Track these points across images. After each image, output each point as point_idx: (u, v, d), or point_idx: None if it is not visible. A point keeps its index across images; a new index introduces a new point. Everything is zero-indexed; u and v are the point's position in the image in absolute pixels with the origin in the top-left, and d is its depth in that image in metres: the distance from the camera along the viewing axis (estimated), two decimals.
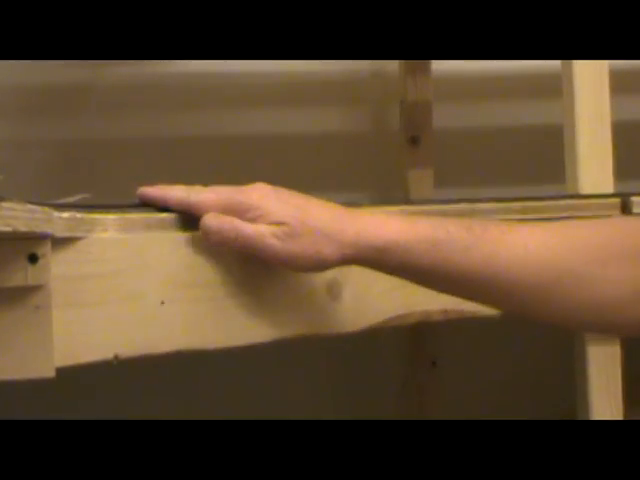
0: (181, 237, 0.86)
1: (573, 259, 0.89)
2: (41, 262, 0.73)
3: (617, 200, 1.09)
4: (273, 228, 0.86)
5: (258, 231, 0.86)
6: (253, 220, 0.86)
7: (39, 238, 0.73)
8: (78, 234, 0.78)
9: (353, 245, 0.87)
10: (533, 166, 1.67)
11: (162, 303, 0.83)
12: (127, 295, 0.81)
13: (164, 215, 0.86)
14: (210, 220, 0.86)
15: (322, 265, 0.88)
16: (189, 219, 0.87)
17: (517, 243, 0.89)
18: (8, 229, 0.66)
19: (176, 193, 0.89)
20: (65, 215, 0.77)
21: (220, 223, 0.86)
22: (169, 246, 0.84)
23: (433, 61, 1.57)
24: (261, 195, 0.88)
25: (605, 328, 0.96)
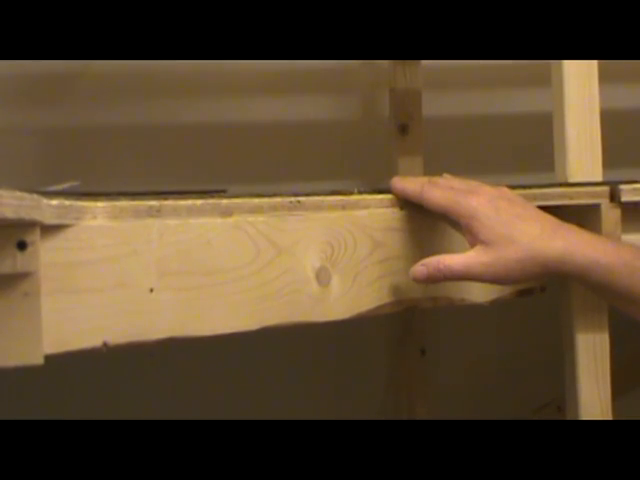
0: (170, 224, 0.86)
1: None
2: (30, 249, 0.73)
3: (606, 188, 1.09)
4: (478, 255, 0.94)
5: (464, 265, 0.95)
6: (467, 227, 0.95)
7: (28, 225, 0.72)
8: (67, 222, 0.78)
9: (558, 260, 0.94)
10: (522, 154, 1.67)
11: (151, 291, 0.83)
12: (116, 283, 0.81)
13: (152, 202, 0.85)
14: (417, 271, 0.96)
15: (526, 279, 0.98)
16: (180, 206, 0.88)
17: None
18: None
19: (413, 187, 1.00)
20: (54, 202, 0.76)
21: (427, 272, 0.96)
22: (158, 233, 0.84)
23: None
24: (479, 203, 0.96)
25: None
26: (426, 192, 0.98)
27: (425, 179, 1.01)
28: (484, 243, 0.94)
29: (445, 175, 1.03)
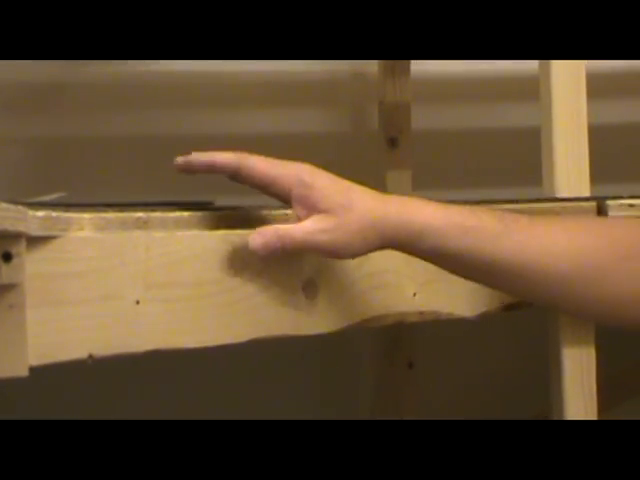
0: (157, 237, 0.86)
1: (599, 253, 0.94)
2: (15, 261, 0.73)
3: (593, 204, 1.09)
4: (320, 222, 0.88)
5: (307, 231, 0.88)
6: (303, 199, 0.88)
7: (13, 237, 0.72)
8: (53, 233, 0.78)
9: (394, 227, 0.90)
10: (511, 168, 1.67)
11: (137, 302, 0.83)
12: (102, 294, 0.81)
13: (140, 214, 0.86)
14: (256, 240, 0.88)
15: (367, 250, 0.91)
16: (168, 218, 0.88)
17: (546, 235, 0.93)
18: None
19: (225, 155, 0.90)
20: (40, 214, 0.76)
21: (265, 240, 0.88)
22: (144, 245, 0.84)
23: (412, 62, 1.57)
24: (312, 173, 0.90)
25: (625, 322, 1.00)
26: (246, 159, 0.90)
27: (231, 154, 0.91)
28: (323, 212, 0.89)
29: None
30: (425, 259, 0.94)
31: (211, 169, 0.90)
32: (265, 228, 0.89)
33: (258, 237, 0.88)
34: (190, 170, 0.91)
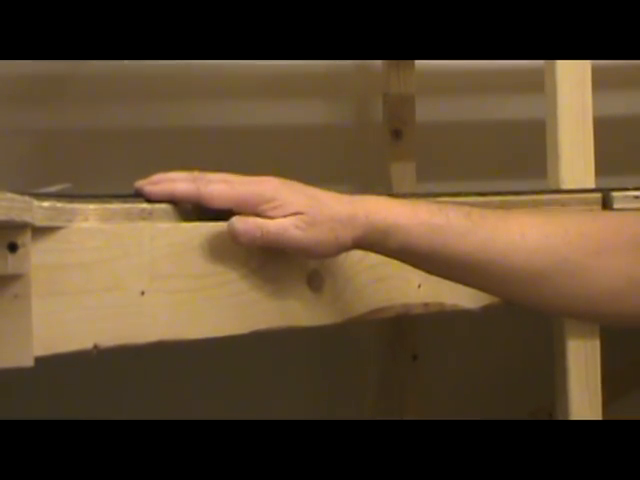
0: (162, 227, 0.86)
1: (568, 248, 0.92)
2: (21, 251, 0.73)
3: (598, 195, 1.09)
4: (293, 219, 0.88)
5: (281, 226, 0.88)
6: (270, 211, 0.88)
7: (19, 227, 0.72)
8: (58, 223, 0.78)
9: (362, 227, 0.90)
10: (515, 160, 1.67)
11: (142, 293, 0.83)
12: (107, 285, 0.81)
13: (144, 205, 0.86)
14: (238, 223, 0.88)
15: (340, 249, 0.91)
16: (172, 209, 0.88)
17: (514, 230, 0.92)
18: None
19: (184, 186, 0.89)
20: (45, 204, 0.76)
21: (246, 225, 0.88)
22: (149, 236, 0.84)
23: None
24: (274, 187, 0.90)
25: (598, 318, 1.00)
26: (205, 187, 0.89)
27: (184, 175, 0.91)
28: (296, 214, 0.89)
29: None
30: (395, 258, 0.94)
31: (172, 200, 0.90)
32: (244, 216, 0.88)
33: (240, 223, 0.88)
34: (150, 199, 0.90)
